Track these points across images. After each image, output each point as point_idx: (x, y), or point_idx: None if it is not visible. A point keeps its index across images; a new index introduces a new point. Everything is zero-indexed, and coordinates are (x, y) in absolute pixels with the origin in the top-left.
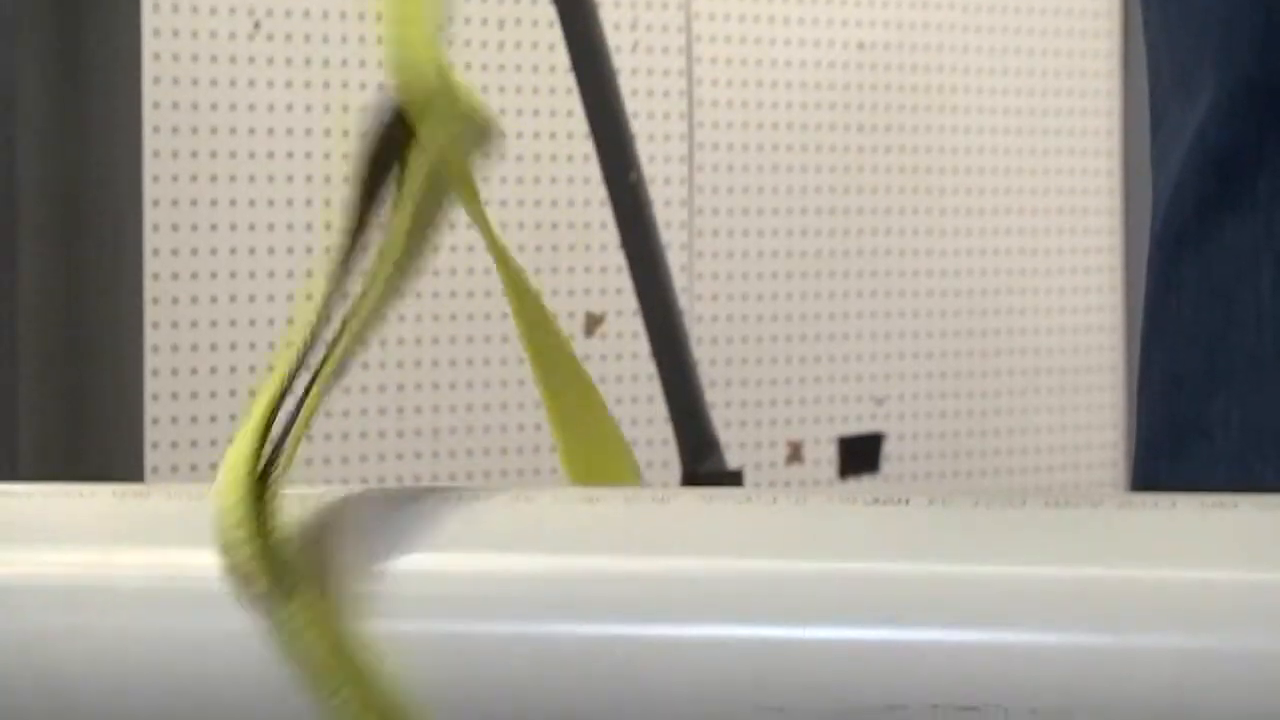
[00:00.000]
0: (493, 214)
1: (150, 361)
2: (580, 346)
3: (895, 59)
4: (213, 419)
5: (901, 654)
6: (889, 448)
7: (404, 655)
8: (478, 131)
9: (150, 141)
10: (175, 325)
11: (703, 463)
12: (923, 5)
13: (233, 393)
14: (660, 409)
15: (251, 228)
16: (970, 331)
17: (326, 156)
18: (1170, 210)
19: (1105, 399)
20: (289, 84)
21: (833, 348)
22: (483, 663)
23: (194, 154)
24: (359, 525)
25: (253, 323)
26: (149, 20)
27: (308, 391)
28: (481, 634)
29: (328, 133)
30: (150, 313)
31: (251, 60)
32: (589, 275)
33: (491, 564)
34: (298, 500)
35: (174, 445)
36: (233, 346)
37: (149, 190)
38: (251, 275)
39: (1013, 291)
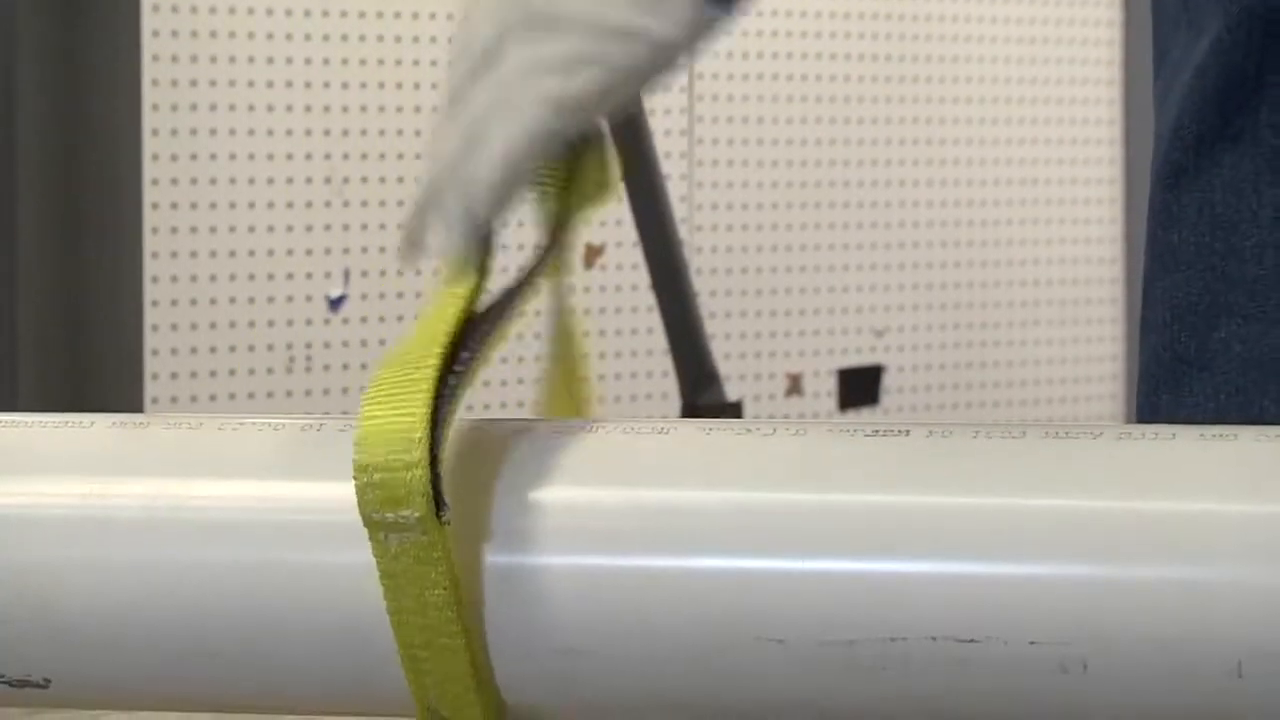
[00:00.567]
0: None
1: (149, 292)
2: (580, 278)
3: None
4: (212, 350)
5: (901, 586)
6: (889, 380)
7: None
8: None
9: (149, 70)
10: (174, 256)
11: (702, 395)
12: None
13: (232, 324)
14: (660, 340)
15: (251, 158)
16: (970, 263)
17: (326, 86)
18: (1171, 145)
19: (1105, 331)
20: (289, 12)
21: (832, 279)
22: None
23: (193, 83)
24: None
25: (252, 253)
26: None
27: (489, 326)
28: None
29: (326, 61)
30: (149, 243)
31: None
32: None
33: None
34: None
35: (174, 376)
36: (232, 277)
37: (148, 119)
38: (251, 206)
39: (1013, 223)
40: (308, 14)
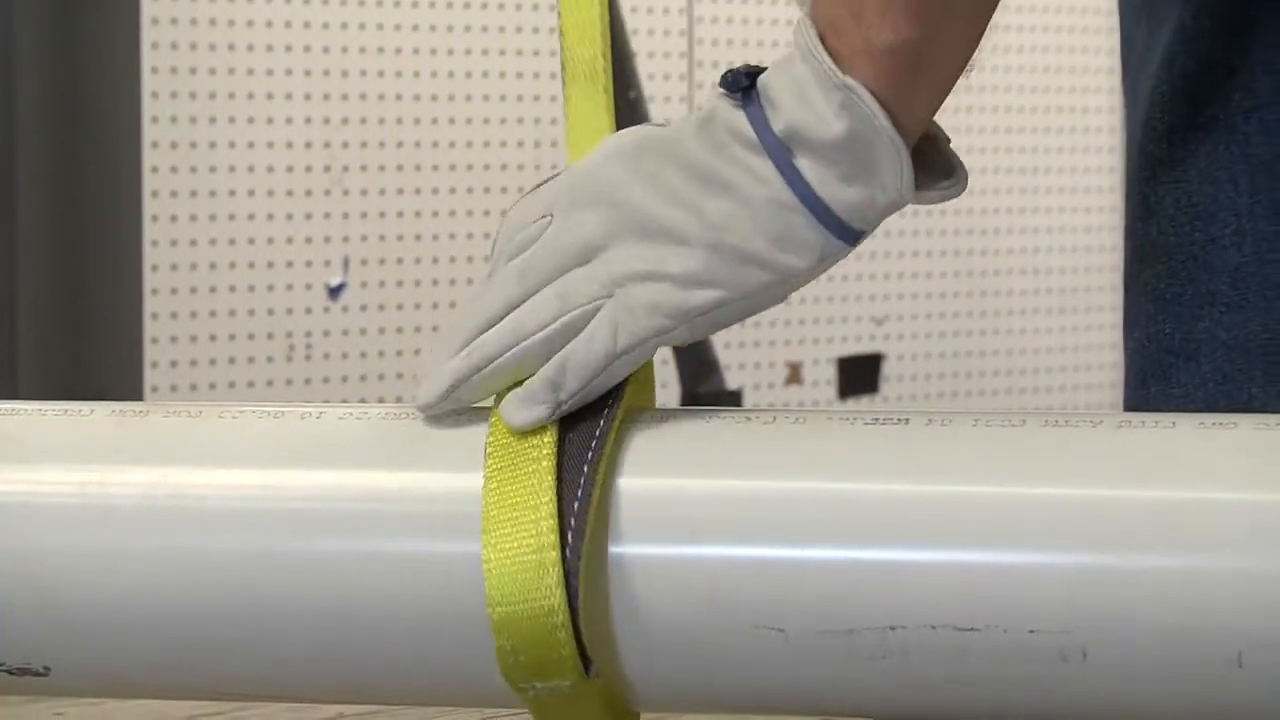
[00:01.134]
0: (489, 134)
1: (149, 281)
2: None
3: None
4: (212, 338)
5: (901, 575)
6: (888, 368)
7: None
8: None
9: (149, 58)
10: (174, 244)
11: (702, 383)
12: None
13: (231, 313)
14: None
15: (250, 146)
16: (970, 252)
17: (326, 74)
18: (1145, 137)
19: (1105, 319)
20: (288, 0)
21: (832, 268)
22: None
23: (193, 71)
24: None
25: (251, 242)
26: None
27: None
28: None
29: (326, 50)
30: (149, 232)
31: None
32: None
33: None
34: None
35: (173, 364)
36: (232, 265)
37: (148, 107)
38: (251, 194)
39: (1012, 212)
40: (307, 1)
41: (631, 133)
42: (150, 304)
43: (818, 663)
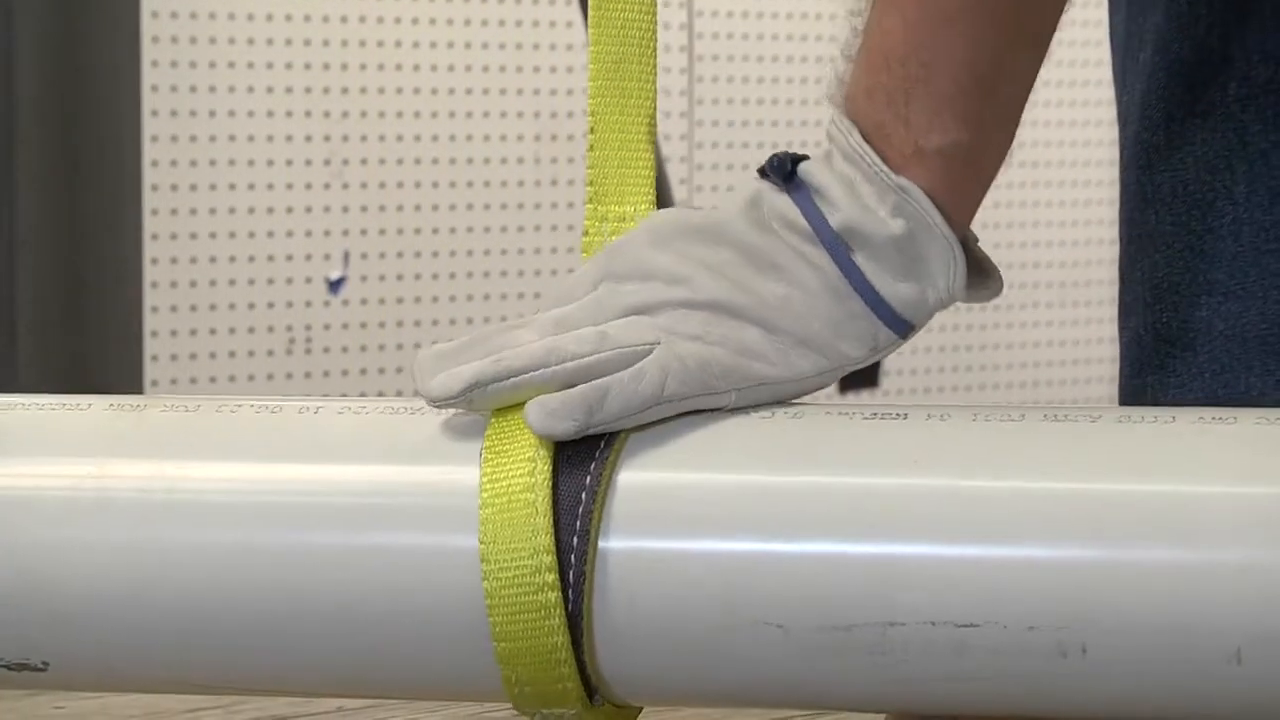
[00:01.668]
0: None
1: (149, 274)
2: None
3: None
4: (212, 332)
5: (900, 571)
6: (888, 362)
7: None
8: None
9: (149, 51)
10: (174, 237)
11: None
12: None
13: (231, 306)
14: None
15: (250, 139)
16: None
17: (326, 67)
18: (1140, 125)
19: (1105, 313)
20: None
21: None
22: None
23: (192, 64)
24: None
25: (251, 235)
26: None
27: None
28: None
29: (326, 43)
30: (149, 225)
31: None
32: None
33: None
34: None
35: (173, 358)
36: (232, 259)
37: (147, 99)
38: (251, 187)
39: (1011, 205)
40: None
41: (672, 215)
42: (150, 297)
43: (817, 658)
